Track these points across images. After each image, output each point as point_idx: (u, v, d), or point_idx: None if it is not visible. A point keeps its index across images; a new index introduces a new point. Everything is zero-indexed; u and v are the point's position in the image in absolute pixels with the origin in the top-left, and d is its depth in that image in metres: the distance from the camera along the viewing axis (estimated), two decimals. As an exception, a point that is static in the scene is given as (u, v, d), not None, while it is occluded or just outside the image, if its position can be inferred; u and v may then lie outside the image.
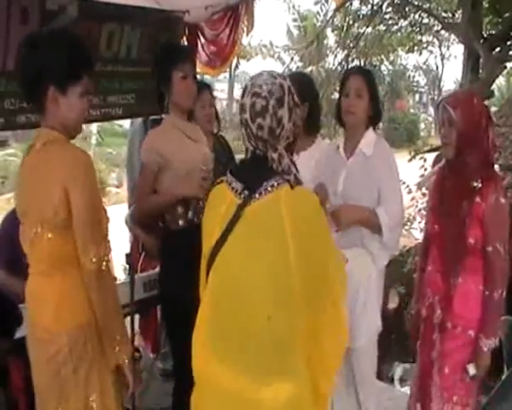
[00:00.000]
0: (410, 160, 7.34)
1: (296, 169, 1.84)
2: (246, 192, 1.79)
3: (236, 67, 22.21)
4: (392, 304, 6.06)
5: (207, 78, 6.21)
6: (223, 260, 1.81)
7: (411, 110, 30.54)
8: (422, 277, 2.90)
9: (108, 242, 2.16)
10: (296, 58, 13.60)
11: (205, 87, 3.62)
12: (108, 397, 2.17)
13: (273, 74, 1.83)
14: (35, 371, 2.20)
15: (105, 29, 3.79)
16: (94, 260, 2.02)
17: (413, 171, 6.70)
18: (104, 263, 2.05)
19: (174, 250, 2.94)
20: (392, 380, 3.72)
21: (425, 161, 6.74)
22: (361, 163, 2.84)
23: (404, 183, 5.66)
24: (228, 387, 1.77)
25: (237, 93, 25.20)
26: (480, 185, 2.54)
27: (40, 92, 2.06)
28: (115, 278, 2.31)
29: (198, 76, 3.82)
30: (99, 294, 2.08)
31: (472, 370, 2.62)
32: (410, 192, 6.82)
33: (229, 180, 1.87)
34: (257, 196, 1.77)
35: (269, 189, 1.76)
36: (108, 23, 3.80)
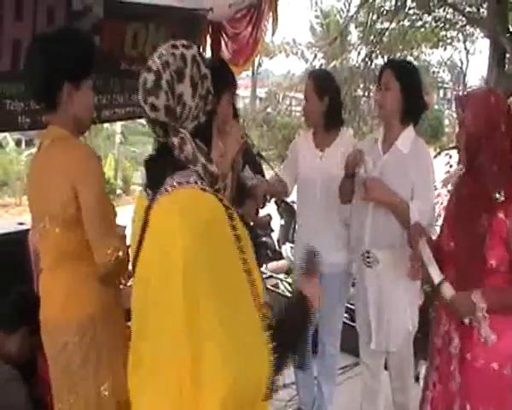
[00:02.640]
0: (436, 156, 7.29)
1: (208, 159, 1.51)
2: (149, 192, 1.54)
3: (259, 64, 22.20)
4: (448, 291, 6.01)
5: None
6: (137, 271, 1.57)
7: (436, 106, 30.25)
8: (439, 301, 2.51)
9: (124, 237, 2.20)
10: (319, 55, 13.56)
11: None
12: (120, 379, 2.05)
13: (176, 44, 1.53)
14: (49, 364, 2.24)
15: (130, 28, 3.82)
16: (109, 251, 2.03)
17: (438, 167, 6.64)
18: (120, 252, 2.05)
19: None
20: (417, 379, 3.68)
21: (450, 157, 6.68)
22: (396, 160, 2.82)
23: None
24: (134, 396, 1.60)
25: (260, 91, 25.19)
26: (503, 198, 2.21)
27: (54, 90, 2.09)
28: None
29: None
30: (111, 280, 2.16)
31: (449, 291, 2.27)
32: (435, 189, 6.76)
33: (142, 178, 1.63)
34: (158, 196, 1.48)
35: (169, 189, 1.46)
36: (133, 22, 3.83)
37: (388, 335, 2.93)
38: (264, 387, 1.39)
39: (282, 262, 5.98)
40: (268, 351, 1.39)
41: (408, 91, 2.80)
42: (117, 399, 2.14)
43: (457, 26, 12.23)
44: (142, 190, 1.60)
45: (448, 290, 2.28)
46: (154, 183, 1.51)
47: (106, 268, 2.05)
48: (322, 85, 3.27)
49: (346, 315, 3.77)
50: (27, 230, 3.81)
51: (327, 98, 3.23)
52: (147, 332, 1.51)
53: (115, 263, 2.04)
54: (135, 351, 1.59)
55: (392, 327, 2.89)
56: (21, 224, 4.58)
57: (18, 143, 16.28)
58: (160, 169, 1.51)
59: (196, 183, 1.46)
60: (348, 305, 3.70)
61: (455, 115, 2.35)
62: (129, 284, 3.28)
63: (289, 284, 5.27)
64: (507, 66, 8.67)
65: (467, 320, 2.26)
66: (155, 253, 1.46)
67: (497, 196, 2.21)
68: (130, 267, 1.72)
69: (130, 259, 1.64)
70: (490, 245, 2.21)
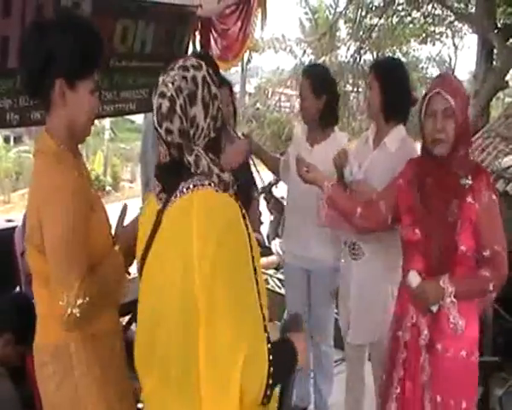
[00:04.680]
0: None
1: (221, 169, 1.57)
2: (163, 196, 1.59)
3: (249, 60, 22.16)
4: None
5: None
6: (146, 271, 1.62)
7: (424, 102, 30.33)
8: (403, 293, 2.51)
9: (92, 280, 1.76)
10: (309, 51, 13.59)
11: (224, 83, 3.42)
12: None
13: (186, 65, 1.57)
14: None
15: (119, 24, 3.80)
16: (62, 303, 1.69)
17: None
18: (76, 310, 1.68)
19: None
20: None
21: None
22: (383, 158, 2.84)
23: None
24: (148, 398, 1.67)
25: (249, 87, 25.17)
26: (470, 182, 2.23)
27: (46, 85, 1.79)
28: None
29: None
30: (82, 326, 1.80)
31: (415, 279, 2.30)
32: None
33: (154, 185, 1.66)
34: (173, 198, 1.54)
35: (184, 191, 1.53)
36: (122, 18, 3.81)
37: (368, 326, 2.93)
38: (262, 389, 1.44)
39: (271, 258, 5.98)
40: (267, 358, 1.44)
41: (388, 90, 2.80)
42: None
43: (446, 22, 12.30)
44: (155, 195, 1.63)
45: (415, 278, 2.30)
46: (169, 187, 1.57)
47: (62, 322, 1.72)
48: (320, 84, 3.25)
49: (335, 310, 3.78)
50: (15, 227, 3.80)
51: (324, 96, 3.22)
52: (158, 327, 1.55)
53: (70, 319, 1.70)
54: (144, 350, 1.64)
55: (373, 318, 2.89)
56: (10, 221, 4.57)
57: (6, 139, 16.20)
58: (175, 175, 1.56)
59: (210, 185, 1.53)
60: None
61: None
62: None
63: (279, 280, 5.28)
64: (495, 61, 8.73)
65: (434, 308, 2.27)
66: (169, 252, 1.51)
67: (466, 181, 2.24)
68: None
69: (137, 259, 1.67)
70: (460, 231, 2.23)
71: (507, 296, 2.89)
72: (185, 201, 1.52)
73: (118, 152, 17.33)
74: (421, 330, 2.35)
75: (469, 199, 2.23)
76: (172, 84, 1.54)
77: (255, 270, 1.51)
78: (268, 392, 1.44)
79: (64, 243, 1.73)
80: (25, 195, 13.28)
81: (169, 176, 1.59)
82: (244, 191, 3.39)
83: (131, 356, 1.76)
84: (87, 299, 1.70)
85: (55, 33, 1.77)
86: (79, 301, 1.69)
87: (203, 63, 1.62)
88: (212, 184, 1.53)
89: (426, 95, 2.31)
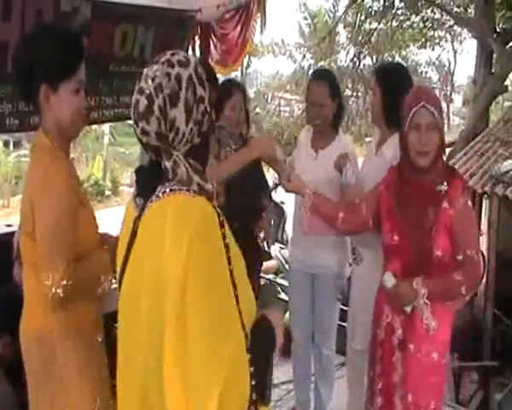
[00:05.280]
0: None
1: (203, 178, 1.43)
2: (139, 201, 1.48)
3: (248, 65, 22.19)
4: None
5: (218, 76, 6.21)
6: (124, 285, 1.51)
7: (424, 106, 30.33)
8: (380, 293, 2.55)
9: (77, 267, 1.93)
10: (308, 55, 13.60)
11: (238, 88, 3.43)
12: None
13: (172, 61, 1.43)
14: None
15: (118, 29, 3.81)
16: (47, 283, 1.87)
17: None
18: (60, 290, 1.86)
19: None
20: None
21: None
22: (380, 164, 2.83)
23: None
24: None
25: (249, 91, 25.15)
26: (445, 188, 2.28)
27: (34, 91, 1.96)
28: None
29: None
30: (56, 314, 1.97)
31: (390, 280, 2.36)
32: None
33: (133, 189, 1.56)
34: (148, 203, 1.43)
35: (160, 195, 1.40)
36: (122, 23, 3.82)
37: (368, 332, 2.94)
38: (246, 401, 1.33)
39: (271, 263, 5.99)
40: (247, 372, 1.34)
41: (389, 95, 2.80)
42: None
43: (445, 27, 12.32)
44: (132, 199, 1.53)
45: (390, 279, 2.36)
46: (146, 191, 1.45)
47: (48, 299, 1.89)
48: (335, 88, 3.24)
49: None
50: (14, 232, 3.80)
51: (337, 99, 3.21)
52: (135, 336, 1.44)
53: (55, 298, 1.87)
54: (123, 357, 1.54)
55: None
56: (9, 226, 4.56)
57: (6, 144, 16.22)
58: (153, 179, 1.44)
59: (189, 191, 1.39)
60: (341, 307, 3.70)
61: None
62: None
63: (278, 285, 5.28)
64: (494, 66, 8.74)
65: (408, 309, 2.32)
66: (144, 261, 1.41)
67: (441, 187, 2.28)
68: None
69: (117, 268, 1.56)
70: (435, 236, 2.28)
71: (506, 302, 2.91)
72: (160, 205, 1.40)
73: (117, 156, 17.37)
74: (395, 329, 2.41)
75: (445, 205, 2.27)
76: (153, 80, 1.39)
77: (234, 284, 1.38)
78: (255, 396, 1.34)
79: (53, 228, 1.89)
80: (24, 199, 13.30)
81: (146, 180, 1.47)
82: (254, 197, 3.36)
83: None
84: (70, 282, 1.87)
85: (36, 43, 1.96)
86: (63, 283, 1.86)
87: (192, 59, 1.47)
88: (192, 191, 1.40)
89: (410, 108, 2.31)
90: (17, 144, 16.72)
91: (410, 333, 2.37)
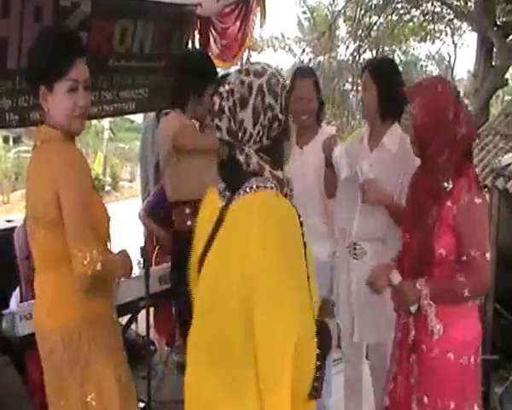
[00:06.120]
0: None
1: (274, 167, 1.64)
2: (227, 193, 1.65)
3: (248, 59, 22.17)
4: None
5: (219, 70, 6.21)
6: (206, 267, 1.68)
7: (424, 100, 30.30)
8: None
9: (105, 244, 2.12)
10: (308, 49, 13.58)
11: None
12: (110, 395, 2.11)
13: (249, 70, 1.63)
14: (42, 365, 2.18)
15: (118, 25, 3.80)
16: (85, 262, 1.92)
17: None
18: (99, 264, 1.94)
19: (184, 250, 2.99)
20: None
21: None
22: (385, 157, 2.84)
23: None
24: (204, 399, 1.69)
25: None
26: (451, 186, 2.21)
27: (36, 90, 2.05)
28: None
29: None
30: (94, 292, 2.03)
31: (396, 278, 2.34)
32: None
33: (218, 181, 1.73)
34: (236, 196, 1.61)
35: (247, 190, 1.59)
36: (121, 19, 3.82)
37: (371, 326, 2.94)
38: (311, 380, 1.49)
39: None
40: (316, 352, 1.50)
41: (384, 90, 2.82)
42: (105, 409, 2.10)
43: (445, 20, 12.29)
44: (217, 192, 1.69)
45: (396, 277, 2.34)
46: (232, 185, 1.63)
47: (82, 282, 1.95)
48: (318, 83, 3.30)
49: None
50: (15, 227, 3.81)
51: (319, 95, 3.27)
52: (212, 322, 1.63)
53: (93, 276, 1.94)
54: (195, 344, 1.71)
55: (375, 318, 2.90)
56: (9, 221, 4.57)
57: (6, 140, 16.22)
58: (236, 174, 1.62)
59: (273, 188, 1.58)
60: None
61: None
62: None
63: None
64: (494, 59, 8.72)
65: (413, 309, 2.28)
66: (230, 246, 1.58)
67: (446, 185, 2.22)
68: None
69: (197, 254, 1.72)
70: (438, 235, 2.21)
71: (507, 296, 2.90)
72: (248, 200, 1.57)
73: (117, 152, 17.37)
74: (410, 330, 2.35)
75: (449, 203, 2.20)
76: (228, 85, 1.61)
77: (308, 278, 1.57)
78: (316, 384, 1.49)
79: (82, 209, 1.97)
80: (24, 195, 13.31)
81: (229, 174, 1.66)
82: None
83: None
84: (104, 258, 1.96)
85: (34, 46, 2.07)
86: (100, 258, 1.94)
87: (269, 70, 1.63)
88: (274, 188, 1.58)
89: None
90: (17, 140, 16.71)
91: (421, 334, 2.31)
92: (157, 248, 4.25)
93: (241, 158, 1.60)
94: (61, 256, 2.00)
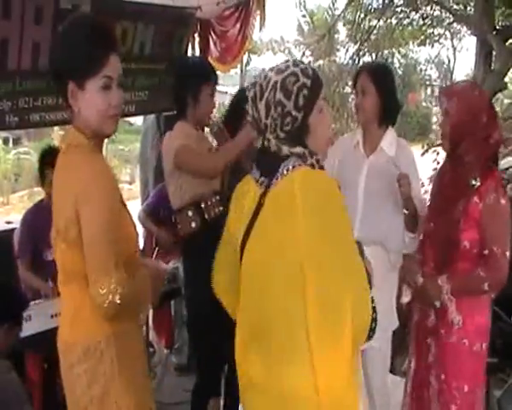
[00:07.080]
0: (423, 153, 7.32)
1: (304, 145, 1.74)
2: (263, 180, 1.75)
3: (248, 62, 22.16)
4: (405, 298, 6.06)
5: (218, 73, 6.22)
6: (248, 251, 1.76)
7: (423, 104, 30.33)
8: None
9: (132, 263, 1.90)
10: (307, 53, 13.56)
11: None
12: None
13: (274, 67, 1.78)
14: (62, 378, 2.05)
15: (118, 26, 3.81)
16: (102, 292, 1.74)
17: (426, 164, 6.68)
18: (117, 297, 1.75)
19: (192, 251, 3.00)
20: (405, 374, 3.70)
21: (438, 154, 6.69)
22: (383, 162, 2.84)
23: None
24: (255, 379, 1.76)
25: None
26: (478, 184, 2.32)
27: (63, 89, 1.84)
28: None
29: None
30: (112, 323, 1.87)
31: (418, 279, 2.45)
32: (422, 186, 6.78)
33: (253, 170, 1.83)
34: (274, 181, 1.71)
35: (284, 172, 1.69)
36: (122, 20, 3.83)
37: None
38: (367, 327, 1.63)
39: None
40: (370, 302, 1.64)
41: (384, 94, 2.83)
42: None
43: (445, 24, 12.27)
44: (254, 180, 1.79)
45: (418, 278, 2.46)
46: (268, 171, 1.74)
47: (101, 309, 1.78)
48: None
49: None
50: (14, 229, 3.81)
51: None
52: (262, 298, 1.72)
53: (109, 308, 1.76)
54: (247, 330, 1.79)
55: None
56: (9, 223, 4.57)
57: (5, 141, 16.20)
58: (273, 158, 1.73)
59: (311, 165, 1.70)
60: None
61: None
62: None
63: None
64: (494, 63, 8.73)
65: (438, 303, 2.38)
66: (273, 227, 1.68)
67: (474, 182, 2.34)
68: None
69: (237, 242, 1.79)
70: (463, 228, 2.33)
71: (506, 299, 2.90)
72: (286, 180, 1.68)
73: (116, 154, 17.32)
74: (429, 316, 2.49)
75: (475, 199, 2.32)
76: (254, 78, 1.80)
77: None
78: (373, 325, 1.64)
79: (105, 228, 1.77)
80: (24, 196, 13.29)
81: (265, 160, 1.77)
82: None
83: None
84: (126, 290, 1.77)
85: (61, 40, 1.88)
86: (119, 290, 1.75)
87: (291, 70, 1.72)
88: (310, 165, 1.69)
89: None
90: (17, 141, 16.71)
91: (441, 320, 2.44)
92: (156, 249, 4.26)
93: (272, 144, 1.73)
94: (83, 273, 1.82)
